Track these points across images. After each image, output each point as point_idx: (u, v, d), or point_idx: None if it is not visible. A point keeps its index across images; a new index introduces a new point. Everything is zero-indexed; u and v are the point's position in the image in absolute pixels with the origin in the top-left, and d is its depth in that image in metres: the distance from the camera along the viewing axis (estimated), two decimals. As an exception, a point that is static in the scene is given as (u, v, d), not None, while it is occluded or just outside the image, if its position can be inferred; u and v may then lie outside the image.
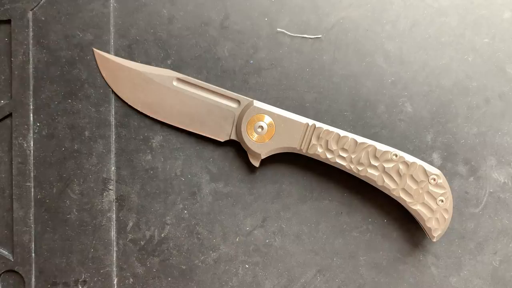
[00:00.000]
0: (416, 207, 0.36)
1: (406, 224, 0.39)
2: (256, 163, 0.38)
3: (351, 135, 0.37)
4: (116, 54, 0.40)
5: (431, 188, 0.36)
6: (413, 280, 0.39)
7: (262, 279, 0.39)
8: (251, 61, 0.40)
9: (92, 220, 0.40)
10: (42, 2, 0.40)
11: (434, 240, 0.37)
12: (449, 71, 0.40)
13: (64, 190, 0.40)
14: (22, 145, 0.40)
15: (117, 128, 0.40)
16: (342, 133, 0.37)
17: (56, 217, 0.40)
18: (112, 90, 0.40)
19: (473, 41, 0.40)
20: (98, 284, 0.39)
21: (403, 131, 0.39)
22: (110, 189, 0.40)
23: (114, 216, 0.40)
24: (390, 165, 0.36)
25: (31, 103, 0.40)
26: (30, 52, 0.40)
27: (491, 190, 0.39)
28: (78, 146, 0.40)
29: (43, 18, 0.40)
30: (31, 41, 0.40)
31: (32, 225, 0.39)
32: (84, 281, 0.39)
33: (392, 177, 0.36)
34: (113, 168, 0.40)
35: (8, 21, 0.40)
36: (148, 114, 0.40)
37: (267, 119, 0.37)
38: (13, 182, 0.39)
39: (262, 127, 0.37)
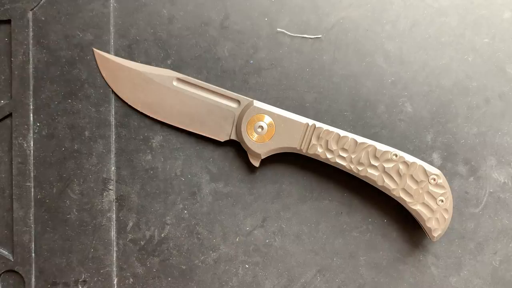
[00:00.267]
0: (416, 207, 0.36)
1: (406, 224, 0.39)
2: (256, 163, 0.38)
3: (351, 135, 0.37)
4: (116, 54, 0.40)
5: (431, 188, 0.36)
6: (413, 280, 0.39)
7: (262, 279, 0.39)
8: (251, 61, 0.40)
9: (92, 220, 0.40)
10: (42, 2, 0.40)
11: (434, 240, 0.37)
12: (449, 71, 0.40)
13: (64, 190, 0.40)
14: (22, 145, 0.40)
15: (117, 128, 0.40)
16: (342, 133, 0.37)
17: (56, 217, 0.40)
18: (112, 90, 0.40)
19: (473, 41, 0.40)
20: (98, 284, 0.39)
21: (403, 131, 0.39)
22: (110, 189, 0.40)
23: (114, 216, 0.40)
24: (390, 165, 0.36)
25: (31, 103, 0.40)
26: (30, 52, 0.40)
27: (491, 190, 0.39)
28: (78, 146, 0.40)
29: (43, 18, 0.40)
30: (31, 41, 0.40)
31: (32, 225, 0.39)
32: (84, 281, 0.39)
33: (392, 177, 0.36)
34: (113, 168, 0.40)
35: (8, 21, 0.40)
36: (148, 114, 0.40)
37: (267, 119, 0.37)
38: (13, 182, 0.39)
39: (262, 127, 0.37)
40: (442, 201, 0.36)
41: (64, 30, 0.40)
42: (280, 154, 0.39)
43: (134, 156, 0.40)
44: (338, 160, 0.37)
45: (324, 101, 0.40)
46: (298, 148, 0.37)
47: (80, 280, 0.39)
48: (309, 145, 0.37)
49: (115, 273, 0.40)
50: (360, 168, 0.37)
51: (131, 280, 0.39)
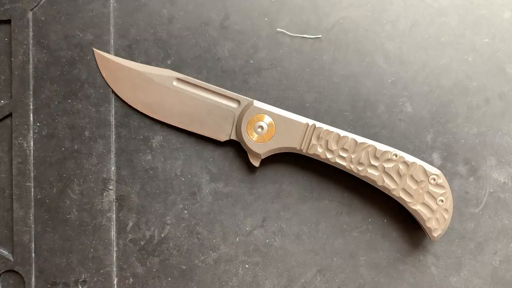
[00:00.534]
0: (416, 207, 0.36)
1: (406, 224, 0.39)
2: (256, 163, 0.38)
3: (351, 135, 0.37)
4: (116, 54, 0.40)
5: (431, 188, 0.36)
6: (413, 280, 0.39)
7: (262, 279, 0.39)
8: (251, 61, 0.40)
9: (92, 220, 0.40)
10: (42, 2, 0.40)
11: (434, 240, 0.37)
12: (449, 71, 0.40)
13: (64, 190, 0.40)
14: (22, 145, 0.40)
15: (117, 128, 0.40)
16: (342, 133, 0.37)
17: (56, 217, 0.40)
18: (112, 90, 0.40)
19: (473, 41, 0.40)
20: (98, 284, 0.39)
21: (403, 131, 0.39)
22: (110, 189, 0.40)
23: (114, 216, 0.40)
24: (390, 165, 0.36)
25: (31, 103, 0.40)
26: (30, 52, 0.40)
27: (491, 190, 0.39)
28: (78, 146, 0.40)
29: (43, 18, 0.40)
30: (31, 41, 0.40)
31: (32, 225, 0.39)
32: (84, 281, 0.39)
33: (392, 177, 0.36)
34: (113, 168, 0.40)
35: (8, 21, 0.40)
36: (148, 114, 0.40)
37: (267, 119, 0.37)
38: (13, 182, 0.39)
39: (262, 127, 0.37)
40: (442, 201, 0.36)
41: (64, 30, 0.40)
42: (280, 154, 0.39)
43: (134, 156, 0.40)
44: (338, 160, 0.37)
45: (324, 101, 0.40)
46: (298, 148, 0.37)
47: (80, 280, 0.39)
48: (309, 145, 0.37)
49: (115, 273, 0.40)
50: (360, 168, 0.37)
51: (131, 280, 0.39)
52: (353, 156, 0.37)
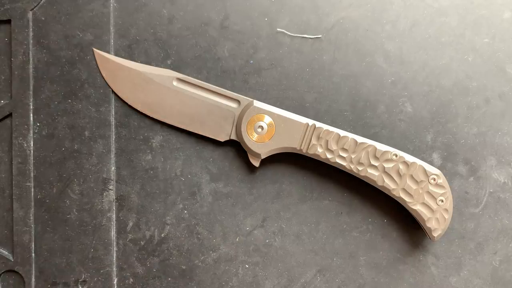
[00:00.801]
0: (416, 207, 0.36)
1: (406, 224, 0.39)
2: (256, 163, 0.38)
3: (351, 135, 0.37)
4: (116, 54, 0.40)
5: (431, 188, 0.36)
6: (413, 280, 0.39)
7: (262, 279, 0.39)
8: (251, 61, 0.40)
9: (92, 220, 0.40)
10: (42, 2, 0.40)
11: (434, 240, 0.37)
12: (449, 71, 0.40)
13: (64, 190, 0.40)
14: (22, 145, 0.40)
15: (117, 128, 0.40)
16: (342, 133, 0.37)
17: (56, 217, 0.40)
18: (112, 90, 0.40)
19: (473, 41, 0.40)
20: (98, 284, 0.39)
21: (403, 131, 0.39)
22: (110, 189, 0.40)
23: (114, 216, 0.40)
24: (390, 165, 0.36)
25: (31, 103, 0.40)
26: (30, 52, 0.40)
27: (491, 190, 0.39)
28: (78, 146, 0.40)
29: (43, 18, 0.40)
30: (31, 41, 0.40)
31: (32, 225, 0.39)
32: (84, 281, 0.39)
33: (392, 177, 0.36)
34: (113, 168, 0.40)
35: (8, 21, 0.40)
36: (148, 114, 0.40)
37: (267, 119, 0.37)
38: (13, 182, 0.39)
39: (262, 127, 0.37)
40: (442, 201, 0.36)
41: (64, 30, 0.40)
42: (280, 154, 0.39)
43: (134, 156, 0.40)
44: (338, 160, 0.37)
45: (324, 101, 0.40)
46: (298, 148, 0.37)
47: (80, 280, 0.39)
48: (309, 145, 0.37)
49: (115, 273, 0.40)
50: (360, 168, 0.37)
51: (131, 280, 0.39)
52: (353, 156, 0.37)
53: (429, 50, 0.40)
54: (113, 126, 0.40)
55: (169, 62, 0.40)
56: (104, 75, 0.40)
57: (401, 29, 0.40)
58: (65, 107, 0.40)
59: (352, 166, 0.37)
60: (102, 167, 0.40)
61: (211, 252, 0.40)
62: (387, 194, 0.37)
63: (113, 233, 0.40)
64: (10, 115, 0.40)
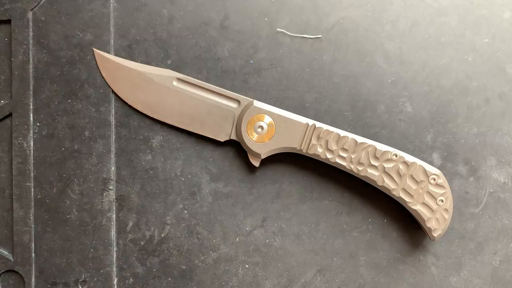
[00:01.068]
0: (416, 207, 0.36)
1: (406, 224, 0.39)
2: (256, 163, 0.38)
3: (351, 135, 0.37)
4: (116, 54, 0.40)
5: (431, 188, 0.36)
6: (413, 280, 0.39)
7: (262, 279, 0.39)
8: (251, 61, 0.40)
9: (92, 220, 0.40)
10: (42, 2, 0.40)
11: (434, 240, 0.37)
12: (449, 71, 0.40)
13: (64, 190, 0.40)
14: (22, 145, 0.40)
15: (117, 128, 0.40)
16: (342, 133, 0.37)
17: (56, 217, 0.40)
18: (112, 90, 0.40)
19: (473, 41, 0.40)
20: (98, 284, 0.39)
21: (403, 131, 0.39)
22: (110, 189, 0.40)
23: (114, 216, 0.40)
24: (390, 165, 0.36)
25: (31, 103, 0.40)
26: (30, 52, 0.40)
27: (491, 190, 0.39)
28: (78, 146, 0.40)
29: (43, 18, 0.40)
30: (31, 41, 0.40)
31: (32, 225, 0.39)
32: (84, 281, 0.39)
33: (392, 177, 0.36)
34: (113, 168, 0.40)
35: (8, 21, 0.40)
36: (148, 114, 0.40)
37: (267, 119, 0.37)
38: (13, 182, 0.39)
39: (262, 127, 0.37)
40: (442, 201, 0.36)
41: (64, 30, 0.40)
42: (280, 154, 0.39)
43: (134, 156, 0.40)
44: (338, 160, 0.37)
45: (324, 101, 0.40)
46: (298, 148, 0.37)
47: (80, 280, 0.39)
48: (309, 145, 0.37)
49: (115, 273, 0.40)
50: (360, 168, 0.37)
51: (131, 280, 0.39)
52: (353, 156, 0.37)
53: (429, 50, 0.40)
54: (113, 126, 0.40)
55: (169, 62, 0.40)
56: (104, 75, 0.40)
57: (401, 29, 0.40)
58: (65, 107, 0.40)
59: (352, 166, 0.37)
60: (102, 167, 0.40)
61: (211, 252, 0.40)
62: (387, 194, 0.37)
63: (113, 233, 0.40)
64: (10, 115, 0.40)
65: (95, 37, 0.40)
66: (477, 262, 0.39)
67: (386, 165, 0.36)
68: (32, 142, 0.40)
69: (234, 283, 0.39)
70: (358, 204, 0.39)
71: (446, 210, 0.36)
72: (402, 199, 0.37)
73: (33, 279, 0.39)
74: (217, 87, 0.39)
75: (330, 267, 0.39)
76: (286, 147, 0.37)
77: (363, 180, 0.38)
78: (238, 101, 0.38)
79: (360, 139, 0.37)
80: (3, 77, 0.40)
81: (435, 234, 0.36)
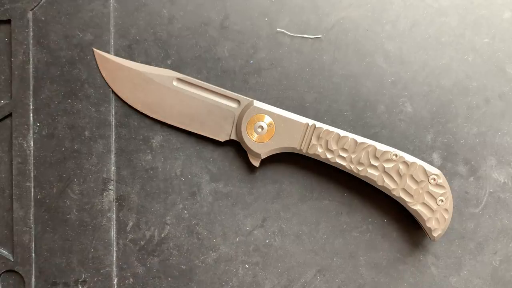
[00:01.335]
0: (416, 207, 0.36)
1: (406, 224, 0.39)
2: (256, 163, 0.38)
3: (351, 135, 0.37)
4: (116, 54, 0.40)
5: (431, 188, 0.36)
6: (413, 280, 0.39)
7: (262, 279, 0.39)
8: (251, 61, 0.40)
9: (92, 220, 0.40)
10: (42, 2, 0.40)
11: (434, 240, 0.37)
12: (449, 71, 0.40)
13: (64, 190, 0.40)
14: (22, 145, 0.40)
15: (117, 128, 0.40)
16: (342, 133, 0.37)
17: (56, 217, 0.40)
18: (112, 90, 0.40)
19: (473, 41, 0.40)
20: (98, 284, 0.39)
21: (403, 131, 0.39)
22: (110, 189, 0.40)
23: (114, 216, 0.40)
24: (390, 165, 0.36)
25: (31, 103, 0.40)
26: (30, 52, 0.40)
27: (491, 190, 0.39)
28: (78, 146, 0.40)
29: (43, 18, 0.40)
30: (31, 41, 0.40)
31: (32, 225, 0.39)
32: (84, 281, 0.39)
33: (392, 177, 0.36)
34: (113, 168, 0.40)
35: (8, 21, 0.40)
36: (148, 114, 0.40)
37: (267, 119, 0.37)
38: (13, 182, 0.39)
39: (262, 127, 0.37)
40: (442, 201, 0.36)
41: (64, 30, 0.40)
42: (280, 154, 0.39)
43: (134, 156, 0.40)
44: (338, 160, 0.37)
45: (324, 101, 0.40)
46: (298, 148, 0.37)
47: (80, 280, 0.39)
48: (309, 145, 0.37)
49: (115, 273, 0.40)
50: (360, 168, 0.37)
51: (131, 280, 0.39)
52: (353, 156, 0.37)
53: (429, 50, 0.40)
54: (113, 126, 0.40)
55: (169, 62, 0.40)
56: (104, 75, 0.40)
57: (401, 29, 0.40)
58: (65, 107, 0.40)
59: (352, 166, 0.37)
60: (102, 167, 0.40)
61: (211, 252, 0.40)
62: (387, 194, 0.37)
63: (113, 233, 0.40)
64: (10, 115, 0.40)
65: (95, 37, 0.40)
66: (477, 262, 0.39)
67: (386, 165, 0.36)
68: (32, 142, 0.40)
69: (234, 283, 0.39)
70: (358, 204, 0.39)
71: (446, 210, 0.36)
72: (402, 199, 0.37)
73: (33, 279, 0.39)
74: (217, 87, 0.39)
75: (330, 267, 0.39)
76: (286, 147, 0.37)
77: (363, 180, 0.38)
78: (238, 101, 0.38)
79: (360, 139, 0.37)
80: (3, 77, 0.40)
81: (435, 234, 0.36)
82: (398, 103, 0.40)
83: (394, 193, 0.37)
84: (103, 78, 0.40)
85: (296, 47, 0.40)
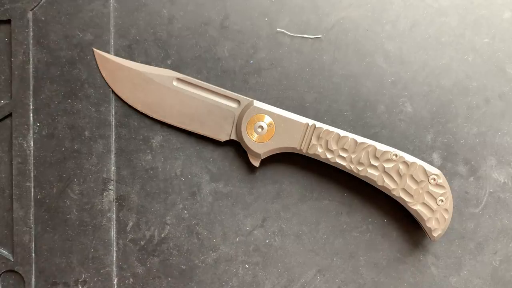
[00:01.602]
0: (416, 207, 0.36)
1: (406, 224, 0.39)
2: (256, 163, 0.38)
3: (351, 135, 0.37)
4: (116, 54, 0.40)
5: (431, 188, 0.36)
6: (413, 280, 0.39)
7: (262, 279, 0.39)
8: (251, 61, 0.40)
9: (92, 220, 0.40)
10: (42, 2, 0.40)
11: (434, 240, 0.37)
12: (449, 71, 0.40)
13: (64, 190, 0.40)
14: (22, 145, 0.40)
15: (117, 128, 0.40)
16: (342, 133, 0.37)
17: (56, 217, 0.40)
18: (112, 90, 0.40)
19: (473, 41, 0.40)
20: (98, 284, 0.39)
21: (403, 131, 0.39)
22: (110, 189, 0.40)
23: (114, 216, 0.40)
24: (390, 165, 0.36)
25: (31, 103, 0.40)
26: (30, 52, 0.40)
27: (491, 190, 0.39)
28: (78, 146, 0.40)
29: (43, 18, 0.40)
30: (31, 41, 0.40)
31: (32, 225, 0.39)
32: (84, 281, 0.39)
33: (392, 177, 0.36)
34: (113, 168, 0.40)
35: (8, 21, 0.40)
36: (148, 114, 0.40)
37: (267, 119, 0.37)
38: (13, 182, 0.39)
39: (262, 127, 0.37)
40: (442, 201, 0.36)
41: (64, 30, 0.40)
42: (280, 154, 0.39)
43: (134, 156, 0.40)
44: (338, 160, 0.37)
45: (324, 101, 0.40)
46: (298, 148, 0.37)
47: (80, 280, 0.39)
48: (309, 145, 0.37)
49: (115, 273, 0.40)
50: (360, 168, 0.37)
51: (131, 280, 0.39)
52: (353, 156, 0.37)
53: (429, 50, 0.40)
54: (113, 126, 0.40)
55: (169, 62, 0.40)
56: (104, 75, 0.40)
57: (401, 29, 0.40)
58: (65, 107, 0.40)
59: (352, 166, 0.37)
60: (102, 167, 0.40)
61: (211, 252, 0.40)
62: (387, 194, 0.37)
63: (113, 233, 0.40)
64: (10, 115, 0.40)
65: (95, 37, 0.40)
66: (477, 262, 0.39)
67: (386, 165, 0.36)
68: (32, 142, 0.40)
69: (234, 283, 0.39)
70: (358, 204, 0.39)
71: (446, 210, 0.36)
72: (402, 199, 0.37)
73: (33, 279, 0.39)
74: (217, 87, 0.39)
75: (330, 267, 0.39)
76: (286, 147, 0.37)
77: (363, 180, 0.38)
78: (238, 101, 0.38)
79: (360, 139, 0.37)
80: (3, 77, 0.40)
81: (435, 234, 0.36)
82: (398, 103, 0.40)
83: (394, 193, 0.37)
84: (103, 78, 0.40)
85: (296, 47, 0.40)
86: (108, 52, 0.40)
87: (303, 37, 0.40)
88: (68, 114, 0.40)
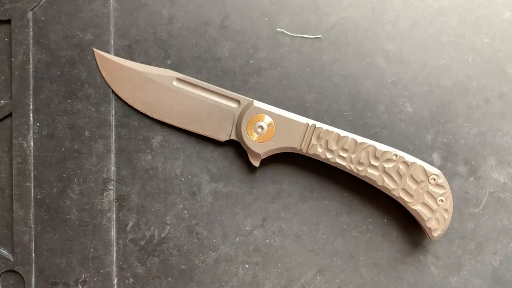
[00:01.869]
0: (416, 207, 0.36)
1: (406, 224, 0.39)
2: (256, 163, 0.38)
3: (351, 135, 0.37)
4: (116, 54, 0.40)
5: (431, 188, 0.36)
6: (413, 280, 0.39)
7: (262, 279, 0.39)
8: (251, 61, 0.40)
9: (92, 220, 0.40)
10: (42, 2, 0.40)
11: (434, 240, 0.37)
12: (449, 71, 0.40)
13: (64, 190, 0.40)
14: (22, 145, 0.40)
15: (117, 128, 0.40)
16: (342, 133, 0.37)
17: (56, 217, 0.40)
18: (112, 90, 0.40)
19: (473, 41, 0.40)
20: (98, 284, 0.39)
21: (403, 131, 0.39)
22: (110, 189, 0.40)
23: (114, 216, 0.40)
24: (390, 165, 0.36)
25: (31, 103, 0.40)
26: (30, 52, 0.40)
27: (491, 190, 0.39)
28: (78, 146, 0.40)
29: (43, 18, 0.40)
30: (31, 41, 0.40)
31: (32, 225, 0.39)
32: (84, 281, 0.39)
33: (392, 177, 0.36)
34: (113, 168, 0.40)
35: (8, 21, 0.40)
36: (148, 114, 0.40)
37: (267, 119, 0.37)
38: (13, 182, 0.39)
39: (262, 127, 0.37)
40: (442, 201, 0.36)
41: (64, 30, 0.40)
42: (280, 154, 0.39)
43: (134, 156, 0.40)
44: (338, 160, 0.37)
45: (324, 101, 0.40)
46: (298, 148, 0.37)
47: (80, 280, 0.39)
48: (309, 145, 0.37)
49: (115, 273, 0.40)
50: (360, 168, 0.37)
51: (131, 280, 0.39)
52: (353, 156, 0.37)
53: (429, 50, 0.40)
54: (113, 126, 0.40)
55: (169, 62, 0.40)
56: (104, 75, 0.40)
57: (401, 29, 0.40)
58: (65, 107, 0.40)
59: (352, 166, 0.37)
60: (102, 167, 0.40)
61: (211, 252, 0.40)
62: (387, 194, 0.37)
63: (113, 233, 0.40)
64: (10, 115, 0.40)
65: (95, 37, 0.40)
66: (477, 262, 0.39)
67: (386, 165, 0.36)
68: (32, 142, 0.40)
69: (234, 283, 0.39)
70: (358, 204, 0.39)
71: (446, 210, 0.36)
72: (402, 199, 0.37)
73: (33, 279, 0.39)
74: (217, 87, 0.39)
75: (330, 267, 0.39)
76: (286, 147, 0.37)
77: (363, 180, 0.38)
78: (238, 101, 0.38)
79: (360, 139, 0.37)
80: (3, 77, 0.40)
81: (435, 234, 0.36)
82: (398, 103, 0.40)
83: (394, 193, 0.37)
84: (103, 78, 0.40)
85: (296, 47, 0.40)
86: (108, 52, 0.40)
87: (303, 37, 0.40)
88: (68, 114, 0.40)
